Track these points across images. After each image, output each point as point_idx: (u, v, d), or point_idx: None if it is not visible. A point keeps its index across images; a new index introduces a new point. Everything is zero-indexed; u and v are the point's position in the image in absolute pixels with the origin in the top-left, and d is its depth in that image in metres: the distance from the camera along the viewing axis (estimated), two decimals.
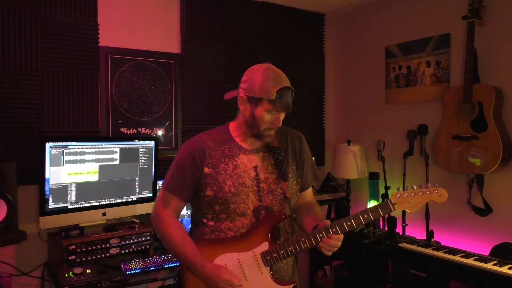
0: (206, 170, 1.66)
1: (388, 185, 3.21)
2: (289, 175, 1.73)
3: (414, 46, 3.31)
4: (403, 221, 3.11)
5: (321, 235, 1.59)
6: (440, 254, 2.57)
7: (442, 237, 3.03)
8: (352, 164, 3.54)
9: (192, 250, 1.62)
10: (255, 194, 1.67)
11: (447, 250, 2.64)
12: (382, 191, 3.26)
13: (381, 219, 3.15)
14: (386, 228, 3.11)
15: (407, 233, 3.13)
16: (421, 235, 3.09)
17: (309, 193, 1.88)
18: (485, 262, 2.39)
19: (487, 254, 2.61)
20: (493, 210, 2.78)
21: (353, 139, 3.67)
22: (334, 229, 1.59)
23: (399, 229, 3.13)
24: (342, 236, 1.60)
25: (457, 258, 2.48)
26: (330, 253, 1.62)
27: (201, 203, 1.69)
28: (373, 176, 3.42)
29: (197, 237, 1.71)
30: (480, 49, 2.79)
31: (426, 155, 3.05)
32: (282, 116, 1.64)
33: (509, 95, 2.74)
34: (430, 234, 2.92)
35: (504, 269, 2.28)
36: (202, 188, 1.67)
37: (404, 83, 3.40)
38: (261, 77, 1.60)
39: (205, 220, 1.70)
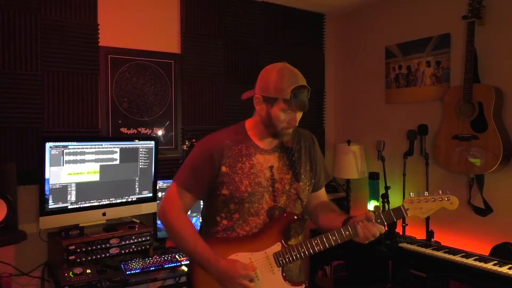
0: (223, 169, 1.65)
1: (388, 185, 3.21)
2: (303, 176, 1.74)
3: (414, 46, 3.31)
4: (403, 221, 3.10)
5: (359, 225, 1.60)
6: (440, 254, 2.57)
7: (442, 237, 3.03)
8: (352, 164, 3.54)
9: (204, 247, 1.61)
10: (270, 195, 1.67)
11: (447, 250, 2.64)
12: (382, 191, 3.25)
13: None
14: (386, 228, 3.11)
15: (407, 233, 3.13)
16: (421, 235, 3.09)
17: (323, 193, 1.90)
18: (485, 262, 2.38)
19: (487, 254, 2.61)
20: (493, 210, 2.78)
21: (353, 139, 3.67)
22: (378, 220, 1.62)
23: (399, 229, 3.13)
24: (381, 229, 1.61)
25: (457, 258, 2.48)
26: (367, 242, 1.61)
27: (216, 202, 1.69)
28: (373, 176, 3.42)
29: (209, 235, 1.70)
30: (480, 49, 2.79)
31: (426, 155, 3.05)
32: (298, 115, 1.63)
33: (509, 95, 2.74)
34: (430, 234, 2.93)
35: (504, 269, 2.28)
36: (218, 187, 1.66)
37: (404, 83, 3.40)
38: (276, 77, 1.59)
39: (218, 218, 1.70)
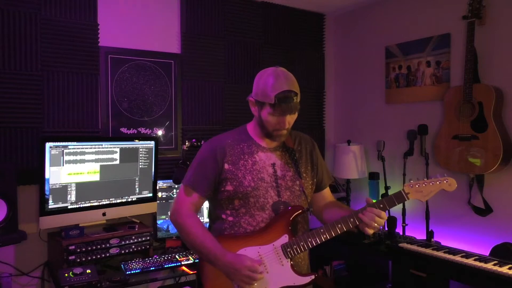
0: (226, 166, 1.71)
1: (388, 185, 3.21)
2: (304, 175, 1.79)
3: (414, 46, 3.30)
4: (403, 221, 3.11)
5: (359, 214, 1.64)
6: (440, 254, 2.57)
7: (442, 237, 3.03)
8: (352, 164, 3.54)
9: (212, 241, 1.65)
10: (274, 190, 1.72)
11: (447, 250, 2.64)
12: (382, 191, 3.26)
13: None
14: (386, 228, 3.12)
15: (407, 233, 3.13)
16: (421, 235, 3.09)
17: (328, 193, 1.94)
18: (485, 262, 2.38)
19: (487, 254, 2.61)
20: (493, 210, 2.78)
21: (353, 139, 3.67)
22: (381, 206, 1.66)
23: (399, 229, 3.13)
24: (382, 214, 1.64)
25: (457, 258, 2.48)
26: (372, 232, 1.64)
27: (221, 199, 1.73)
28: (373, 176, 3.42)
29: (216, 232, 1.74)
30: (480, 49, 2.79)
31: (426, 155, 3.05)
32: (289, 118, 1.67)
33: (509, 95, 2.74)
34: (430, 234, 2.92)
35: (504, 269, 2.28)
36: (222, 184, 1.71)
37: (404, 83, 3.40)
38: (264, 82, 1.66)
39: (223, 216, 1.74)
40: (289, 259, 1.66)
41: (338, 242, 3.27)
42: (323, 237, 1.66)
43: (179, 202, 1.75)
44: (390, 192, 3.19)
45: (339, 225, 1.66)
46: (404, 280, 2.81)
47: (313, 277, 1.69)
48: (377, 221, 1.61)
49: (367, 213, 1.62)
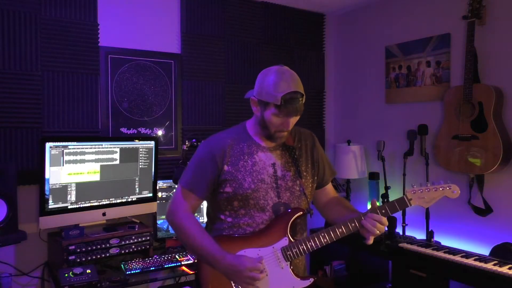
0: (226, 168, 1.68)
1: (388, 185, 3.21)
2: (305, 173, 1.77)
3: (414, 46, 3.31)
4: (403, 221, 3.11)
5: (362, 218, 1.62)
6: (440, 254, 2.57)
7: (442, 237, 3.04)
8: (352, 164, 3.54)
9: (210, 243, 1.62)
10: (274, 191, 1.70)
11: (447, 250, 2.64)
12: (382, 191, 3.25)
13: None
14: (386, 228, 3.11)
15: (407, 233, 3.13)
16: (421, 235, 3.09)
17: (331, 188, 1.92)
18: (485, 262, 2.39)
19: (487, 254, 2.61)
20: (493, 210, 2.78)
21: (353, 139, 3.67)
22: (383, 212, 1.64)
23: (399, 229, 3.13)
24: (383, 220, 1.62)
25: (457, 258, 2.49)
26: (371, 240, 1.63)
27: (219, 200, 1.71)
28: (373, 176, 3.42)
29: (215, 233, 1.72)
30: (480, 49, 2.79)
31: (426, 155, 3.05)
32: (292, 119, 1.65)
33: (509, 95, 2.74)
34: (430, 234, 2.93)
35: (504, 269, 2.28)
36: (221, 185, 1.69)
37: (404, 83, 3.40)
38: (269, 81, 1.61)
39: (222, 217, 1.72)
40: (288, 262, 1.65)
41: (338, 242, 3.26)
42: (323, 240, 1.65)
43: (176, 203, 1.72)
44: (390, 192, 3.19)
45: (340, 230, 1.65)
46: (404, 280, 2.81)
47: (312, 280, 1.68)
48: (378, 227, 1.60)
49: (368, 219, 1.61)
